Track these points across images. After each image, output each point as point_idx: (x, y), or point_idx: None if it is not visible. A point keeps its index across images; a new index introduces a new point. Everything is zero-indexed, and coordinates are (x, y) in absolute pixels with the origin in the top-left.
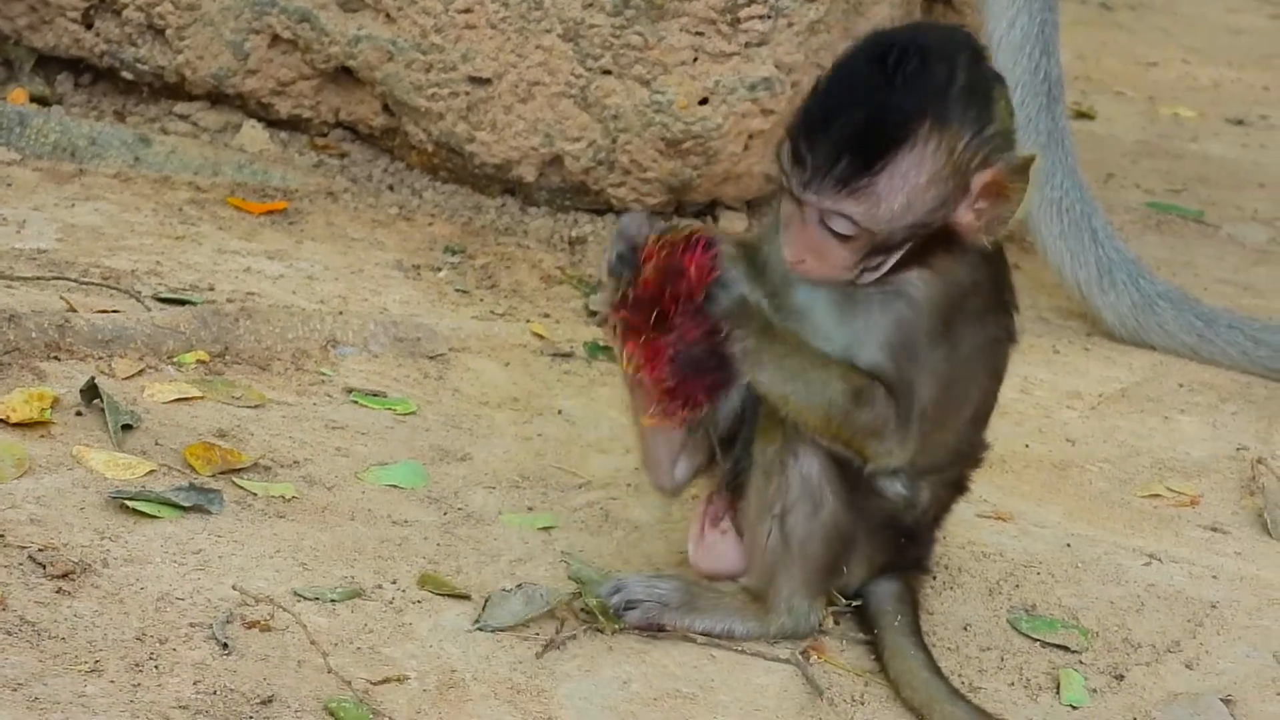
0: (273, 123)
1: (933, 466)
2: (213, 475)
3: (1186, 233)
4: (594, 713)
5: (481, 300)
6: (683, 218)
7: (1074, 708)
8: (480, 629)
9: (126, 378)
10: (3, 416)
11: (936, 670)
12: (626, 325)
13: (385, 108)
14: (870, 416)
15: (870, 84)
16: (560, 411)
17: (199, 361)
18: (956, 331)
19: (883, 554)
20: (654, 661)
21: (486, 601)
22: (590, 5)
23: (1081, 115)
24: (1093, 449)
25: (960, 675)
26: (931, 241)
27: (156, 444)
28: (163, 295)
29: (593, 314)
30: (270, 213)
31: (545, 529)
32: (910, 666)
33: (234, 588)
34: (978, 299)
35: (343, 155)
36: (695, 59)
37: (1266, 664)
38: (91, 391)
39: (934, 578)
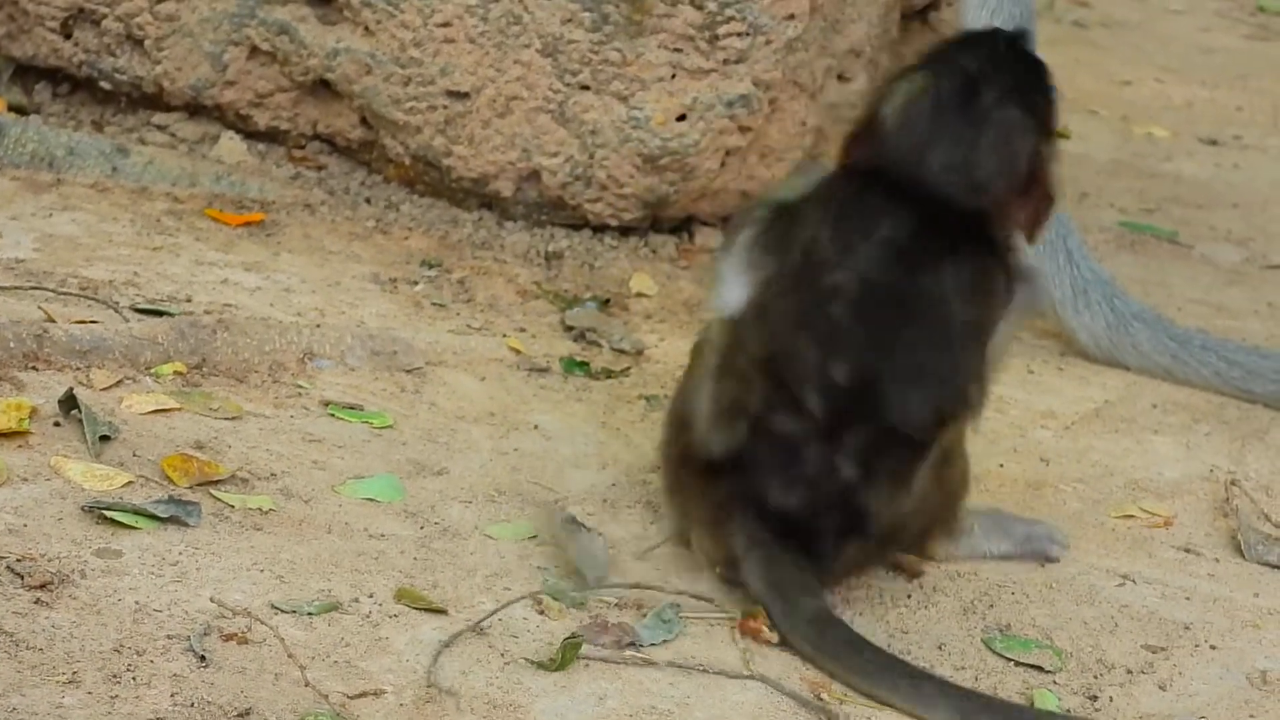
0: (251, 134)
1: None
2: (190, 487)
3: (1160, 253)
4: None
5: (458, 314)
6: (658, 234)
7: None
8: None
9: (104, 388)
10: None
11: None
12: None
13: (363, 120)
14: None
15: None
16: (537, 426)
17: (176, 373)
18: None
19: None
20: (629, 678)
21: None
22: (569, 21)
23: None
24: (1066, 469)
25: None
26: None
27: (134, 455)
28: (140, 306)
29: (569, 329)
30: (248, 224)
31: (529, 539)
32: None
33: (211, 600)
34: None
35: (320, 168)
36: (673, 75)
37: (1239, 686)
38: (69, 402)
39: (908, 596)
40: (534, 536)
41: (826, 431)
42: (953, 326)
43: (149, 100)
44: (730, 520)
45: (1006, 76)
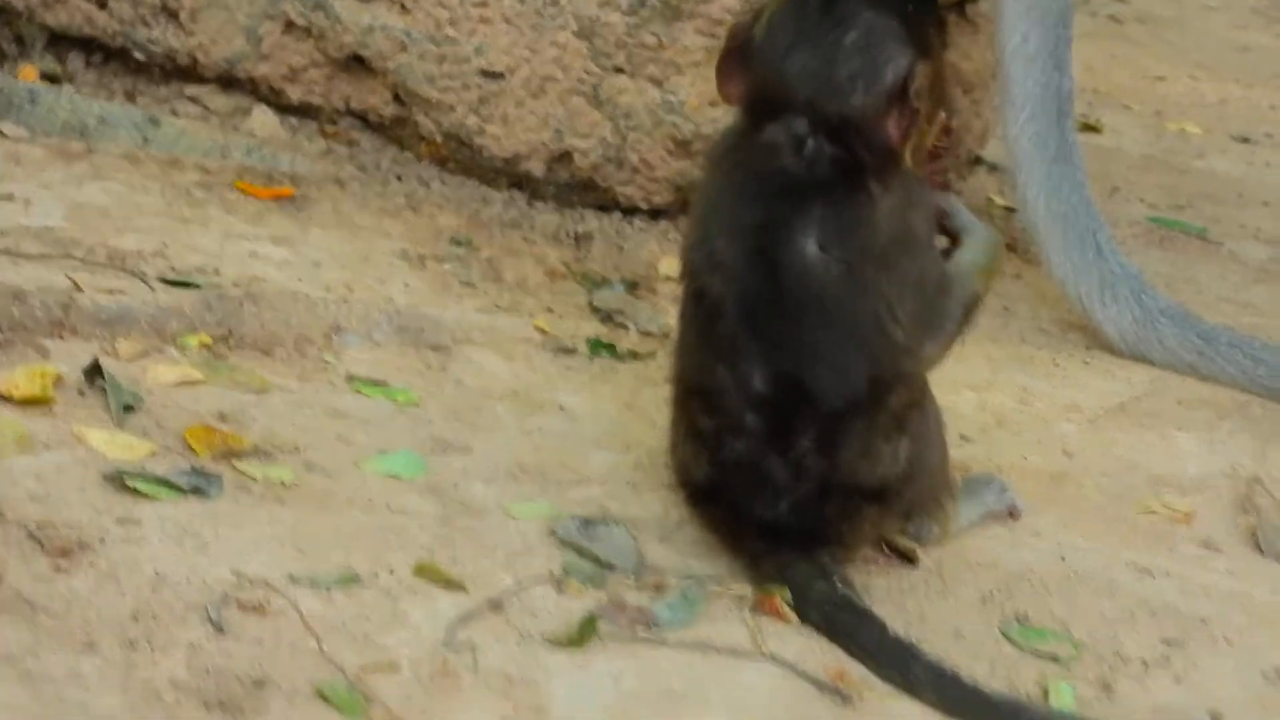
0: (283, 108)
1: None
2: (213, 458)
3: (1189, 249)
4: (585, 707)
5: (486, 293)
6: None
7: None
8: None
9: (130, 358)
10: (5, 393)
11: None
12: None
13: (396, 97)
14: None
15: None
16: (561, 407)
17: (202, 345)
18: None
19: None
20: (646, 658)
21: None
22: (605, 4)
23: (1088, 128)
24: (1089, 462)
25: None
26: None
27: (158, 425)
28: (168, 277)
29: (596, 310)
30: (277, 198)
31: (551, 518)
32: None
33: (230, 570)
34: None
35: (351, 143)
36: (708, 60)
37: (1254, 682)
38: (95, 371)
39: (926, 584)
40: (555, 516)
41: (776, 440)
42: (837, 282)
43: (182, 72)
44: (738, 532)
45: None
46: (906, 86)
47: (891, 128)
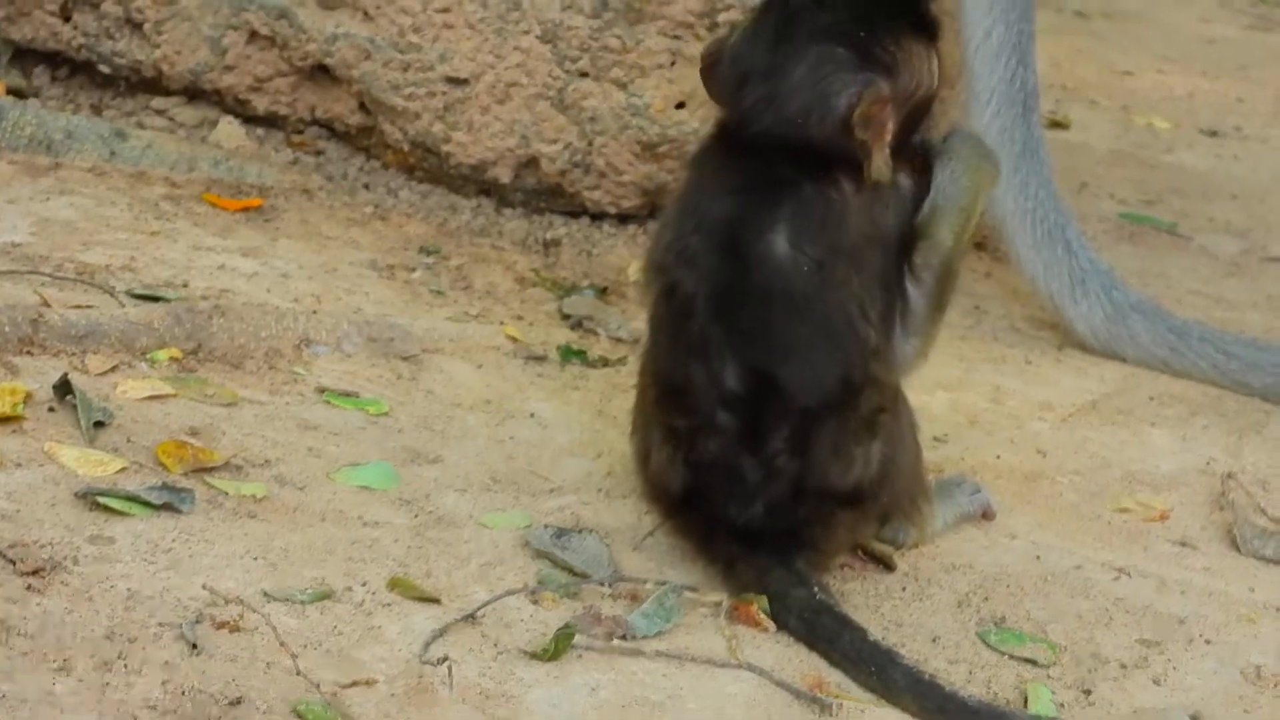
0: (249, 119)
1: None
2: (184, 474)
3: (1159, 244)
4: (562, 719)
5: (455, 301)
6: (656, 222)
7: None
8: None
9: (100, 374)
10: None
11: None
12: None
13: (362, 106)
14: None
15: None
16: (533, 414)
17: (172, 359)
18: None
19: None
20: (623, 668)
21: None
22: (569, 7)
23: (1056, 125)
24: (1063, 461)
25: None
26: None
27: (129, 441)
28: (137, 291)
29: (566, 316)
30: (245, 209)
31: (524, 528)
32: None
33: (204, 587)
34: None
35: (318, 153)
36: (673, 62)
37: (1233, 680)
38: (64, 387)
39: (903, 589)
40: (529, 526)
41: (749, 439)
42: (808, 279)
43: (148, 84)
44: (714, 538)
45: (832, 10)
46: (858, 111)
47: (855, 147)
